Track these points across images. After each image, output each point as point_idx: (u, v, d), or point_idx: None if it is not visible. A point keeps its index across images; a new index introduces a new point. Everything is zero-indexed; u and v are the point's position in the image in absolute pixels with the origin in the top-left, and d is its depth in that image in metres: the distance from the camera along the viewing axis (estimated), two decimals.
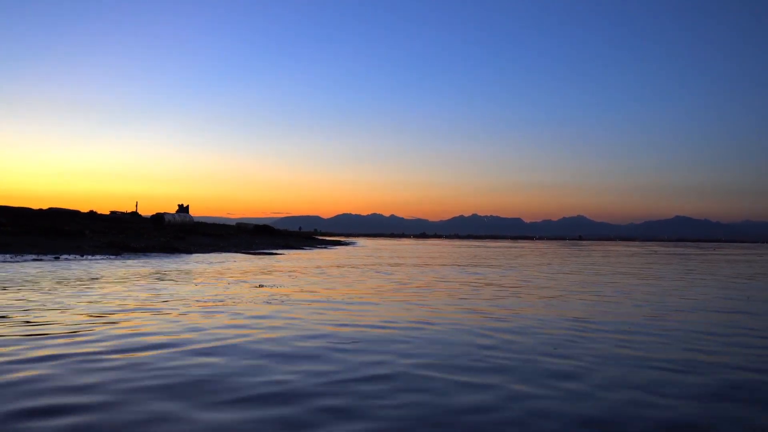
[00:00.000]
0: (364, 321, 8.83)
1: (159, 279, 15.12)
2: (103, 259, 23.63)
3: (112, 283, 13.51)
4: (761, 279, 20.61)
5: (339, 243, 76.54)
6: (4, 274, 15.14)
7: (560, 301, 12.07)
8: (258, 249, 40.92)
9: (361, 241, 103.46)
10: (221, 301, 10.71)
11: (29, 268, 17.06)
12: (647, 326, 8.82)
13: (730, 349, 7.18)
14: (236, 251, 35.90)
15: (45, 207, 49.25)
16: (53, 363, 5.68)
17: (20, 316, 8.37)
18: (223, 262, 24.49)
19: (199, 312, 9.31)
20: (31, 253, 24.07)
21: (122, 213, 61.65)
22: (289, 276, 17.62)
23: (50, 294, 11.11)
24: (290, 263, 25.52)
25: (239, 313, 9.26)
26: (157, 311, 9.28)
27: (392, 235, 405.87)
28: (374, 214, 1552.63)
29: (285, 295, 12.09)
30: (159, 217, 54.46)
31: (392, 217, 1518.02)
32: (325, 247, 56.36)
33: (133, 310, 9.31)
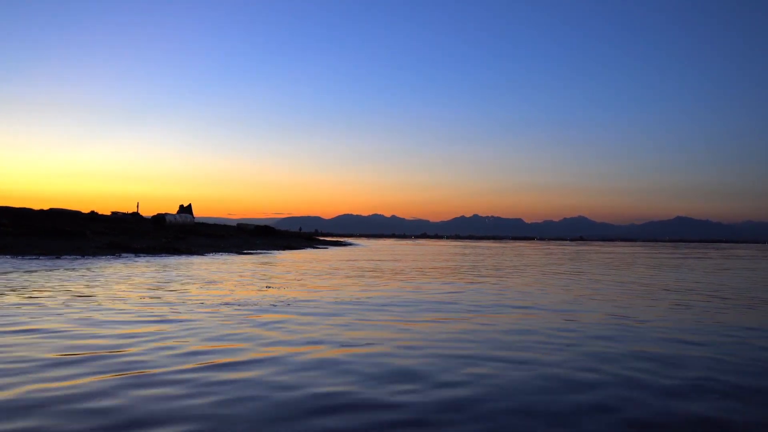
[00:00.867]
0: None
1: (160, 282, 14.91)
2: (103, 259, 23.46)
3: (111, 284, 13.30)
4: None
5: (339, 243, 76.70)
6: (4, 274, 14.93)
7: None
8: (258, 250, 40.78)
9: (362, 242, 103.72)
10: (227, 305, 10.48)
11: (29, 269, 16.84)
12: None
13: None
14: (237, 252, 35.73)
15: (46, 207, 49.06)
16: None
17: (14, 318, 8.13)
18: (223, 263, 24.28)
19: (220, 317, 9.07)
20: (32, 253, 23.89)
21: (123, 213, 61.41)
22: (293, 277, 17.41)
23: (50, 294, 10.90)
24: (290, 263, 25.31)
25: (249, 319, 9.03)
26: (161, 317, 9.05)
27: (393, 236, 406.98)
28: (375, 215, 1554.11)
29: (291, 297, 11.87)
30: (160, 218, 54.34)
31: (393, 217, 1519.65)
32: (325, 248, 56.29)
33: (132, 313, 9.09)
